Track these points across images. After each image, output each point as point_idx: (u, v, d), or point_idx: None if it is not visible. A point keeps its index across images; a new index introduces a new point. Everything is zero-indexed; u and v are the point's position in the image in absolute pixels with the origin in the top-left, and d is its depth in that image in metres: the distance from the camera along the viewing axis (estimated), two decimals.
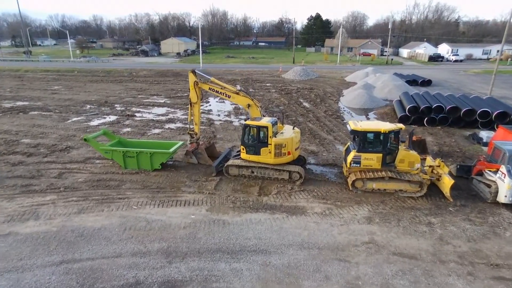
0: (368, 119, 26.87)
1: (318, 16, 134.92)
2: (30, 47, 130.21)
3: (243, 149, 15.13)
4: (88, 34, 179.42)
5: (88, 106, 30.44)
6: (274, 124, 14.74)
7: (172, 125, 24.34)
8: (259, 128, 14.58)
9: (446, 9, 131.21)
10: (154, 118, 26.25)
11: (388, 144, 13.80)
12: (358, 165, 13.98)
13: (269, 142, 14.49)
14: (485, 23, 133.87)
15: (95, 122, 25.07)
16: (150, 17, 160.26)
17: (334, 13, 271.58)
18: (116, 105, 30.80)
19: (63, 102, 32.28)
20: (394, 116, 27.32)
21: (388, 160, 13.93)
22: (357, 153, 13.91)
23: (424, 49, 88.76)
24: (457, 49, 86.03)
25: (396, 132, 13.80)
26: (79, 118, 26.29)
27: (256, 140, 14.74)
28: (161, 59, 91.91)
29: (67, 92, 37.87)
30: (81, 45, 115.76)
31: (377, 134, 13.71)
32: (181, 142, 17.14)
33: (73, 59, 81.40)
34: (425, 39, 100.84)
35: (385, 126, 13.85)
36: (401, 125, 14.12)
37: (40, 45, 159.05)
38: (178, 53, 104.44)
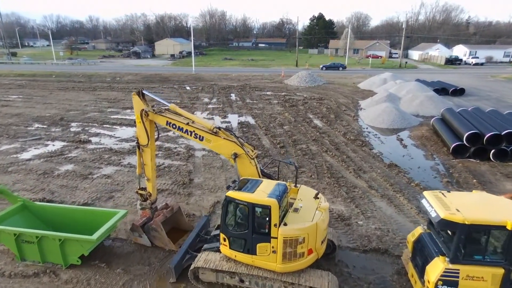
0: (405, 146, 19.84)
1: (320, 16, 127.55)
2: (19, 48, 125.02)
3: (224, 240, 8.14)
4: (83, 35, 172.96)
5: (36, 126, 23.40)
6: (282, 197, 7.69)
7: (134, 160, 17.30)
8: (253, 207, 7.54)
9: (454, 9, 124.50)
10: (114, 146, 19.22)
11: None
12: None
13: (272, 235, 7.49)
14: (487, 24, 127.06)
15: (28, 154, 17.97)
16: (147, 17, 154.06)
17: (335, 14, 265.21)
18: (72, 124, 23.75)
19: (7, 119, 25.24)
20: (436, 140, 20.40)
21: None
22: (451, 265, 6.91)
23: (438, 51, 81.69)
24: (476, 51, 78.73)
25: None
26: (11, 146, 19.24)
27: (247, 227, 7.72)
28: (153, 61, 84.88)
29: (22, 104, 30.81)
30: (71, 47, 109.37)
31: (497, 230, 6.72)
32: (123, 212, 10.08)
33: (56, 62, 74.82)
34: (438, 40, 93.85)
35: (510, 209, 6.84)
36: None
37: (32, 46, 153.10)
38: (173, 55, 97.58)
